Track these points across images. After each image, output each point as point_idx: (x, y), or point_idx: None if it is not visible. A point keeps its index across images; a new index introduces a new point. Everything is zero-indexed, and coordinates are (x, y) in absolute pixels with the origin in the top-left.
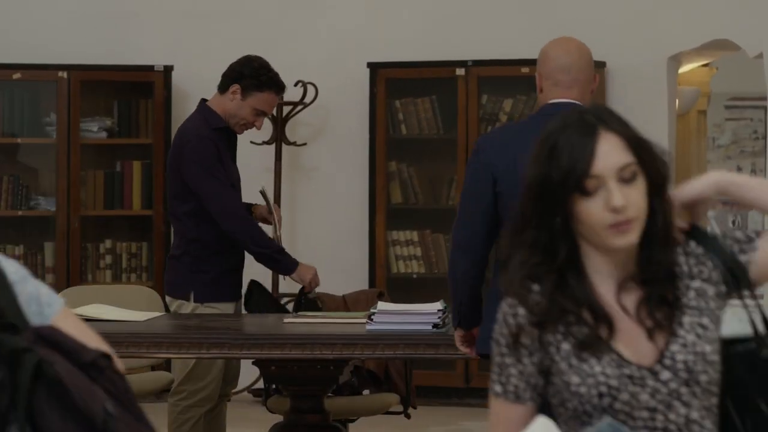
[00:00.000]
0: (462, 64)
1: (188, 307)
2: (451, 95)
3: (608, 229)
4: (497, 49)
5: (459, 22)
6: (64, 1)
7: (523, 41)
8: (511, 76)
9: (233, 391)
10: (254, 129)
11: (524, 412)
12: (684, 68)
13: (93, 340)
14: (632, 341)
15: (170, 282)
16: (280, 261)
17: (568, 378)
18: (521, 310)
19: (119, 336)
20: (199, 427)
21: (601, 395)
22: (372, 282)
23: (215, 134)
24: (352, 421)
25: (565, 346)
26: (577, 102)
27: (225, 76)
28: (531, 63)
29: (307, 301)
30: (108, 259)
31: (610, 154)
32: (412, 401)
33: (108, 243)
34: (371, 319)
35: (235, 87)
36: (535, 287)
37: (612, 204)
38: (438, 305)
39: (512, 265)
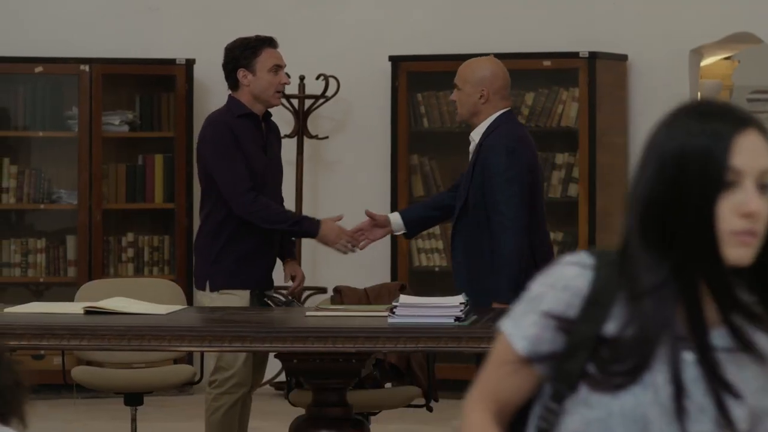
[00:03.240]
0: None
1: (207, 296)
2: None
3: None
4: (519, 42)
5: (480, 15)
6: None
7: (544, 34)
8: (533, 69)
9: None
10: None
11: None
12: (706, 61)
13: None
14: None
15: (194, 273)
16: (299, 231)
17: None
18: None
19: (141, 329)
20: (233, 413)
21: None
22: (394, 275)
23: (239, 121)
24: (374, 414)
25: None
26: None
27: (227, 75)
28: (553, 56)
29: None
30: (130, 252)
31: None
32: (434, 394)
33: (130, 236)
34: (393, 313)
35: (241, 72)
36: None
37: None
38: (460, 298)
39: None
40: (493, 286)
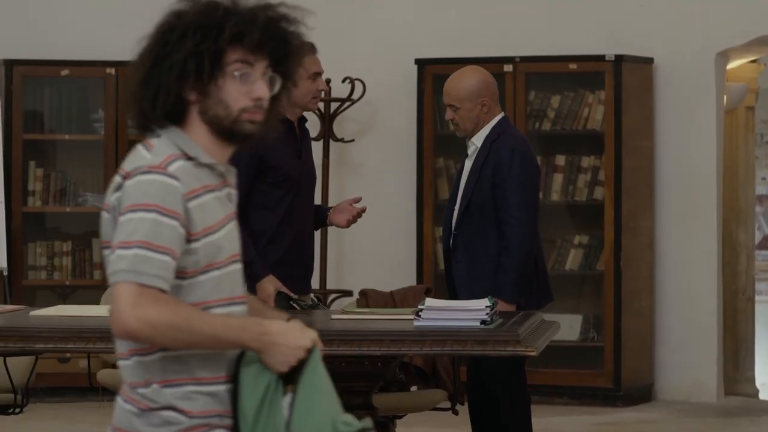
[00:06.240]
0: (510, 60)
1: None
2: (498, 91)
3: None
4: (545, 45)
5: (507, 18)
6: None
7: (570, 37)
8: (559, 72)
9: None
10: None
11: None
12: (732, 64)
13: None
14: None
15: None
16: (248, 270)
17: None
18: None
19: None
20: None
21: None
22: (419, 278)
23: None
24: (400, 417)
25: None
26: None
27: None
28: (579, 59)
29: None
30: None
31: None
32: (460, 397)
33: None
34: (419, 316)
35: None
36: None
37: None
38: (486, 301)
39: None
40: (500, 285)
